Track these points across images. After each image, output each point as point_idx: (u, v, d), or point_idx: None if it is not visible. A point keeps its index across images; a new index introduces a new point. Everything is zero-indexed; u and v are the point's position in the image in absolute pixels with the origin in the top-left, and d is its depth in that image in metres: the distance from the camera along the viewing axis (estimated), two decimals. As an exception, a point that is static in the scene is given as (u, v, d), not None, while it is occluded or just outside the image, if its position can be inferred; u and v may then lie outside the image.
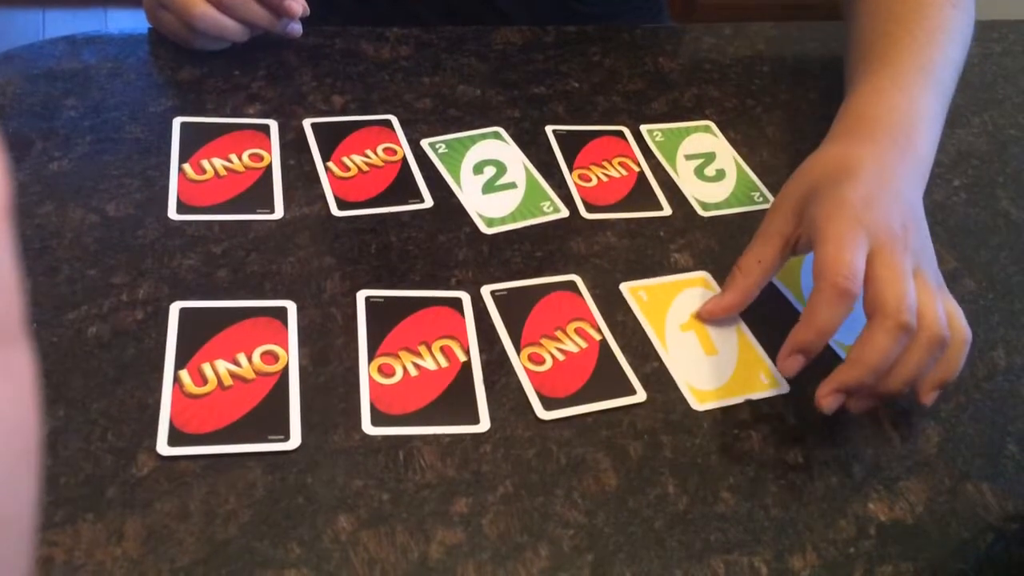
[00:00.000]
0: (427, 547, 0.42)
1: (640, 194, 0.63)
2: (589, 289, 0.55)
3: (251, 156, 0.60)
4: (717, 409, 0.50)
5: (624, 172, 0.65)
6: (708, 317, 0.55)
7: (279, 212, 0.57)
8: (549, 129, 0.67)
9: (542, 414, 0.48)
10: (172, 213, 0.56)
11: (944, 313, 0.49)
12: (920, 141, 0.58)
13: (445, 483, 0.45)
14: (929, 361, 0.49)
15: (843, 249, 0.49)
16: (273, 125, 0.63)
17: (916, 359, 0.48)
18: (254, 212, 0.57)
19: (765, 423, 0.50)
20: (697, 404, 0.50)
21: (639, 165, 0.65)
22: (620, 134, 0.68)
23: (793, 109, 0.74)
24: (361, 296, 0.52)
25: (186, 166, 0.59)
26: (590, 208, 0.61)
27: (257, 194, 0.58)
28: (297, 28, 0.68)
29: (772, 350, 0.54)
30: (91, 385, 0.46)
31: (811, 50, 0.82)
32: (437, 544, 0.42)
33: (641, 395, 0.50)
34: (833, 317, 0.48)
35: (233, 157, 0.60)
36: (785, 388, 0.52)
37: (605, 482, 0.46)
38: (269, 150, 0.61)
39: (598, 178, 0.64)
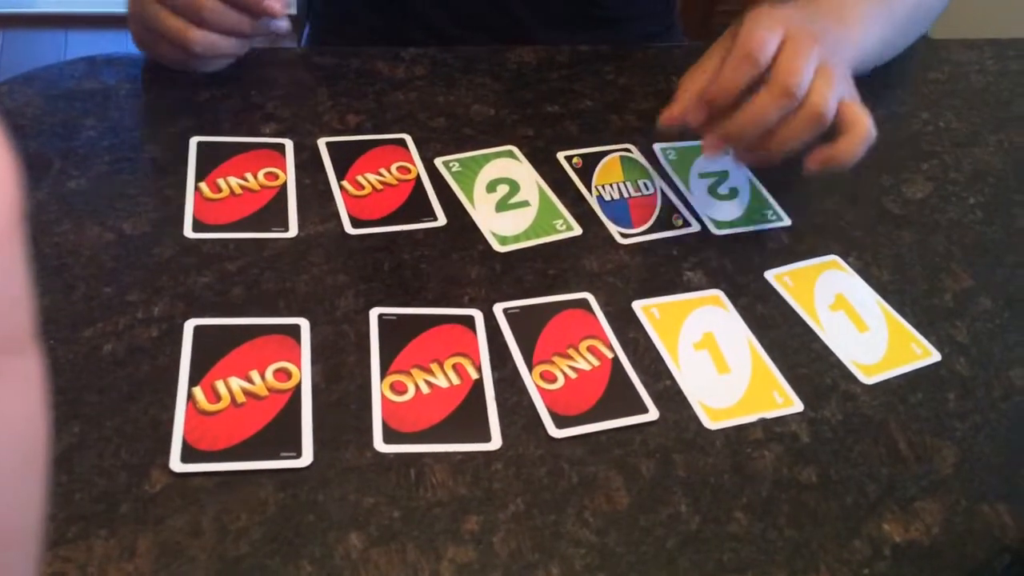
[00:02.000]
0: (438, 565, 0.42)
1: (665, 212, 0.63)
2: (602, 307, 0.55)
3: (266, 175, 0.61)
4: (730, 428, 0.50)
5: (649, 192, 0.65)
6: (666, 123, 0.60)
7: (293, 230, 0.57)
8: (561, 156, 0.66)
9: (554, 432, 0.48)
10: (188, 231, 0.56)
11: (836, 98, 0.56)
12: (854, 23, 0.66)
13: (456, 501, 0.45)
14: (806, 131, 0.56)
15: (758, 27, 0.56)
16: (288, 144, 0.64)
17: (794, 126, 0.56)
18: (269, 230, 0.57)
19: (778, 442, 0.50)
20: (710, 423, 0.50)
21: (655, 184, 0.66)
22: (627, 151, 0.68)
23: (807, 127, 0.74)
24: (374, 314, 0.53)
25: (202, 185, 0.59)
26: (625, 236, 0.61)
27: (272, 213, 0.58)
28: (282, 25, 0.65)
29: (786, 369, 0.53)
30: (106, 402, 0.46)
31: (825, 68, 0.82)
32: (448, 562, 0.42)
33: (654, 413, 0.50)
34: (736, 77, 0.56)
35: (248, 176, 0.60)
36: (799, 407, 0.51)
37: (617, 501, 0.46)
38: (284, 169, 0.62)
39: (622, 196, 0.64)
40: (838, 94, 0.56)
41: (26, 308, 0.21)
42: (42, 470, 0.22)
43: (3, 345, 0.20)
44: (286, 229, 0.57)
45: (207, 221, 0.57)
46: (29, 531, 0.23)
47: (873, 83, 0.81)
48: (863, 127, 0.56)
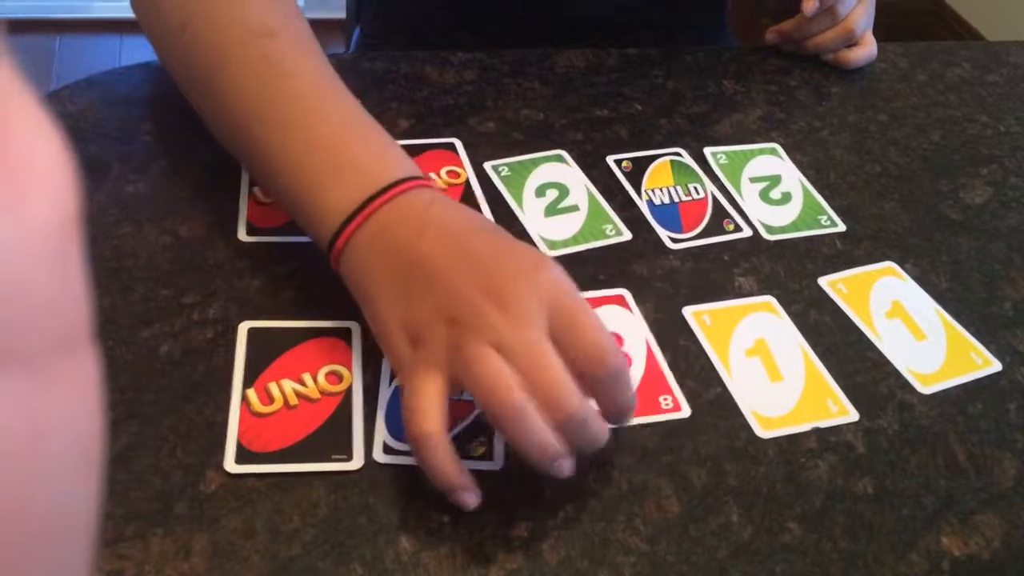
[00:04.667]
0: (487, 570, 0.42)
1: (717, 217, 0.63)
2: (651, 313, 0.55)
3: (318, 179, 0.61)
4: (783, 437, 0.49)
5: (700, 196, 0.64)
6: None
7: (345, 234, 0.58)
8: (610, 160, 0.66)
9: (603, 438, 0.48)
10: (242, 235, 0.57)
11: (865, 24, 0.78)
12: None
13: (506, 506, 0.45)
14: (838, 42, 0.78)
15: None
16: (340, 148, 0.64)
17: (830, 36, 0.79)
18: (320, 234, 0.57)
19: (833, 452, 0.49)
20: (762, 431, 0.49)
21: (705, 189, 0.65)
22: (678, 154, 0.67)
23: (861, 131, 0.73)
24: (424, 318, 0.53)
25: (255, 189, 0.60)
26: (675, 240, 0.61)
27: (323, 216, 0.59)
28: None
29: (840, 378, 0.52)
30: (162, 402, 0.47)
31: (879, 71, 0.80)
32: (497, 568, 0.42)
33: (686, 411, 0.49)
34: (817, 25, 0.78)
35: (301, 180, 0.61)
36: (854, 416, 0.50)
37: (667, 509, 0.45)
38: (335, 173, 0.62)
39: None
40: (868, 21, 0.78)
41: (83, 308, 0.20)
42: (97, 469, 0.22)
43: (59, 345, 0.20)
44: (337, 233, 0.58)
45: (260, 224, 0.58)
46: (84, 529, 0.23)
47: (930, 87, 0.79)
48: (871, 47, 0.79)
